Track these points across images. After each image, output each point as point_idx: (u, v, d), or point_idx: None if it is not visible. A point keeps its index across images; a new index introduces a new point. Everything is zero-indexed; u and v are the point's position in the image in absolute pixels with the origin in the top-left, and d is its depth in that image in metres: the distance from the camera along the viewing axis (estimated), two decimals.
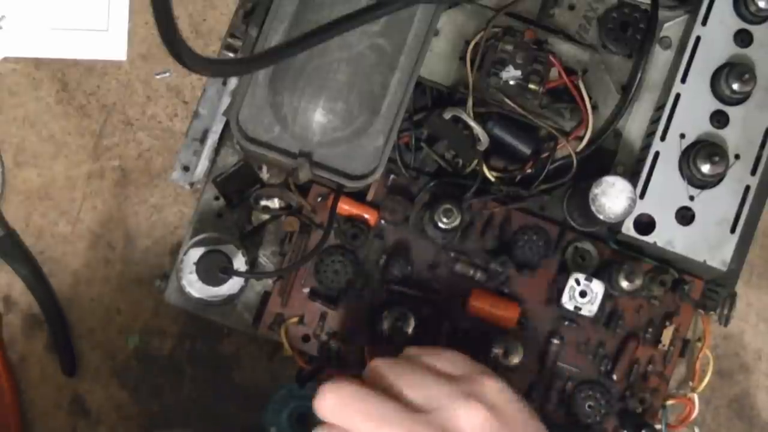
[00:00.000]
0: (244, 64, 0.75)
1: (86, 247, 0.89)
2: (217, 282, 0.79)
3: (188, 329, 0.88)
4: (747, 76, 0.79)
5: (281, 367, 0.88)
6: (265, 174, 0.84)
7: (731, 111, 0.80)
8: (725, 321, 0.84)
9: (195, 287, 0.80)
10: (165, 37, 0.56)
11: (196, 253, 0.79)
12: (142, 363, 0.88)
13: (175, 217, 0.89)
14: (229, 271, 0.79)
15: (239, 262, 0.80)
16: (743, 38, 0.81)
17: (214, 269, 0.78)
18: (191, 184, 0.85)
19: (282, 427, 0.83)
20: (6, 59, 0.90)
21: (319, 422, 0.66)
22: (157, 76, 0.90)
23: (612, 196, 0.78)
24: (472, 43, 0.82)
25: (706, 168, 0.79)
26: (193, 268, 0.79)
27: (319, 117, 0.75)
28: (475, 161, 0.82)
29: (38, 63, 0.90)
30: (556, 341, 0.82)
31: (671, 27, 0.84)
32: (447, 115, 0.81)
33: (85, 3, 0.90)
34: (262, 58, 0.74)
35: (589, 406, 0.82)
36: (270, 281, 0.83)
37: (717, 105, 0.80)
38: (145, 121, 0.90)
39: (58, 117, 0.90)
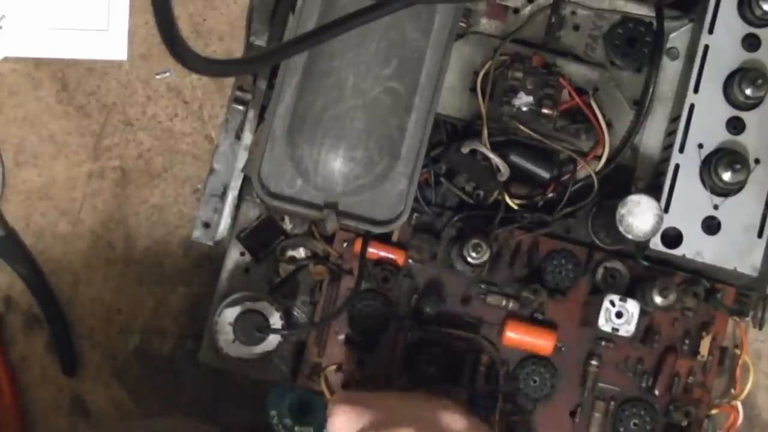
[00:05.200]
0: (245, 63, 0.74)
1: (86, 247, 0.89)
2: (255, 341, 0.79)
3: (188, 329, 0.88)
4: (760, 80, 0.79)
5: None
6: (288, 224, 0.84)
7: (747, 116, 0.80)
8: (760, 324, 0.84)
9: (232, 348, 0.80)
10: (165, 37, 0.55)
11: (230, 314, 0.79)
12: (142, 363, 0.89)
13: (175, 217, 0.89)
14: (266, 330, 0.78)
15: (275, 319, 0.80)
16: (751, 42, 0.81)
17: (251, 329, 0.78)
18: (216, 242, 0.85)
19: (283, 412, 0.84)
20: (6, 59, 0.90)
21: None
22: (157, 76, 0.90)
23: (638, 215, 0.78)
24: (481, 74, 0.82)
25: (727, 176, 0.79)
26: (229, 329, 0.79)
27: (340, 166, 0.75)
28: (497, 191, 0.82)
29: (38, 63, 0.90)
30: (594, 362, 0.82)
31: (677, 37, 0.84)
32: (465, 149, 0.81)
33: (85, 3, 0.90)
34: (261, 58, 0.73)
35: (635, 424, 0.82)
36: None
37: (732, 112, 0.80)
38: (145, 121, 0.90)
39: (58, 117, 0.90)
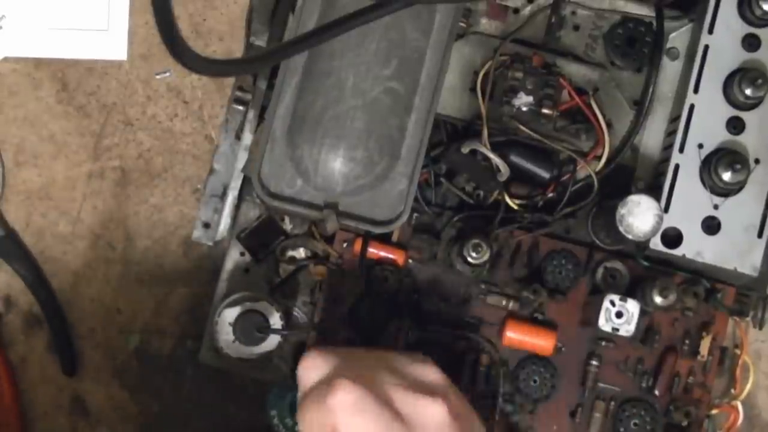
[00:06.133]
0: (245, 63, 0.75)
1: (86, 247, 0.89)
2: (255, 342, 0.79)
3: (188, 329, 0.88)
4: (760, 80, 0.79)
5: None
6: (288, 225, 0.84)
7: (747, 116, 0.80)
8: (760, 324, 0.84)
9: (232, 348, 0.80)
10: (165, 37, 0.56)
11: (230, 314, 0.79)
12: (142, 363, 0.89)
13: (175, 217, 0.89)
14: (266, 330, 0.78)
15: (275, 319, 0.80)
16: (751, 42, 0.81)
17: (251, 330, 0.78)
18: (216, 242, 0.85)
19: (283, 412, 0.83)
20: (6, 59, 0.89)
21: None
22: (158, 76, 0.90)
23: (638, 215, 0.78)
24: (481, 74, 0.82)
25: (727, 176, 0.79)
26: (229, 329, 0.79)
27: (340, 167, 0.75)
28: (497, 191, 0.82)
29: (38, 63, 0.90)
30: (594, 362, 0.82)
31: (677, 37, 0.84)
32: (465, 149, 0.81)
33: (85, 3, 0.89)
34: (261, 58, 0.73)
35: (635, 424, 0.82)
36: None
37: (732, 112, 0.80)
38: (145, 121, 0.90)
39: (58, 117, 0.90)
